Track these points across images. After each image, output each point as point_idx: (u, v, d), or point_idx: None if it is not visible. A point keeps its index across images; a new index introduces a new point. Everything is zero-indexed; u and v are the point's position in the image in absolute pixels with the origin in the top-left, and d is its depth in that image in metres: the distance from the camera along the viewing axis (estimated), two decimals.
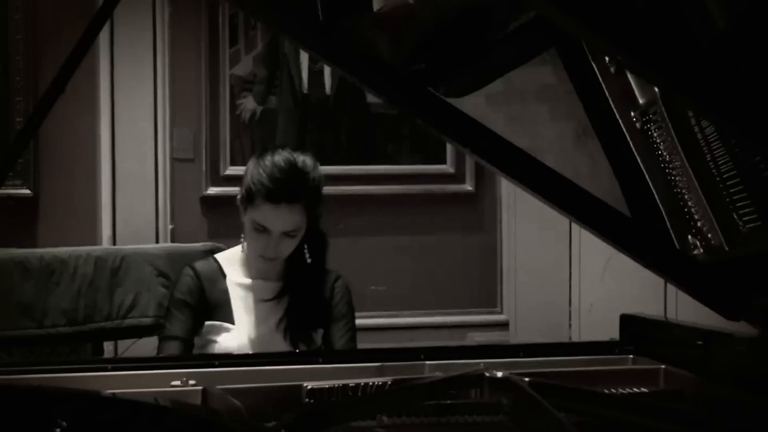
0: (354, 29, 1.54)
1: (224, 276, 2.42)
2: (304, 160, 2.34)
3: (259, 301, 2.40)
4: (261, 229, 2.31)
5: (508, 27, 1.63)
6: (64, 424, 1.32)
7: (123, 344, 3.29)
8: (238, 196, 2.38)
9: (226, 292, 2.40)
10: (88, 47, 1.81)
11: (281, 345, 2.35)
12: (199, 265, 2.43)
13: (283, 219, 2.29)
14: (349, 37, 1.53)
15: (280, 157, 2.31)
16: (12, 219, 3.80)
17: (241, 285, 2.41)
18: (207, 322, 2.37)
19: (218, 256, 2.48)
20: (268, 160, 2.31)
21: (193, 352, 2.38)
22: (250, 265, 2.43)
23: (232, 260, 2.45)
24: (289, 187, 2.28)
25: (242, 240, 2.42)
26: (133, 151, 3.90)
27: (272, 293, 2.41)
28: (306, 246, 2.39)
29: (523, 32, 1.64)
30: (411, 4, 1.60)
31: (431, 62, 1.61)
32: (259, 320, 2.38)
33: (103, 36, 3.76)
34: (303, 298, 2.40)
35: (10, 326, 2.85)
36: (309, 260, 2.39)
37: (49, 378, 1.69)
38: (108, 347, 3.28)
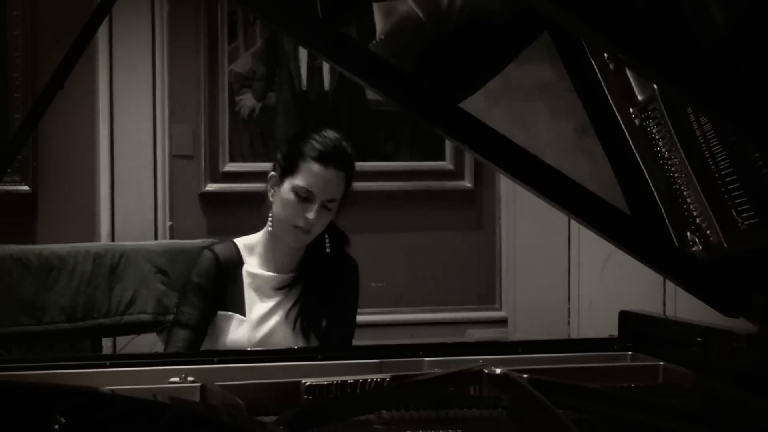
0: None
1: (242, 264, 2.41)
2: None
3: (271, 290, 2.40)
4: (303, 197, 2.32)
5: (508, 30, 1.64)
6: (63, 420, 1.32)
7: (121, 341, 3.29)
8: (272, 172, 2.39)
9: (241, 280, 2.39)
10: (86, 44, 1.81)
11: (290, 334, 2.36)
12: (219, 248, 2.42)
13: (328, 183, 2.33)
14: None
15: (329, 131, 2.38)
16: (10, 215, 3.79)
17: (256, 275, 2.40)
18: (219, 312, 2.37)
19: (238, 241, 2.45)
20: (316, 131, 2.38)
21: (202, 342, 2.37)
22: (268, 256, 2.41)
23: (251, 248, 2.43)
24: (338, 153, 2.35)
25: (269, 220, 2.39)
26: (131, 147, 3.89)
27: (285, 283, 2.41)
28: (327, 236, 2.42)
29: (515, 23, 1.64)
30: (419, 16, 1.60)
31: (431, 67, 1.61)
32: (271, 311, 2.38)
33: (102, 32, 3.75)
34: (316, 289, 2.41)
35: (8, 323, 2.84)
36: (328, 249, 2.43)
37: (48, 374, 1.69)
38: (106, 344, 3.28)
